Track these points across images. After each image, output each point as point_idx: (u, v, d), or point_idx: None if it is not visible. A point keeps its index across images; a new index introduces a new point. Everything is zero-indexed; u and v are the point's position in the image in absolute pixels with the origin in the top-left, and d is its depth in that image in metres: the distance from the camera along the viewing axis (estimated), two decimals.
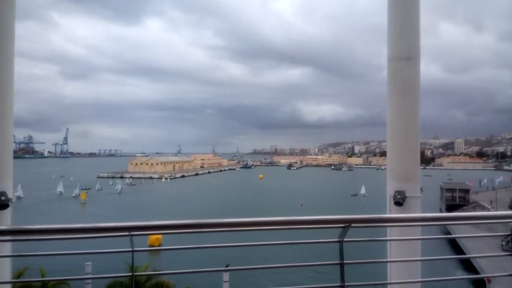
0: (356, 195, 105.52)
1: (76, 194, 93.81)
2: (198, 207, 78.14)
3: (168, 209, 75.74)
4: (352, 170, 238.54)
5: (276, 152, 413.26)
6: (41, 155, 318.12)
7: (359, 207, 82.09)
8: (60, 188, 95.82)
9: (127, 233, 2.83)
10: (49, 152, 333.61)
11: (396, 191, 4.99)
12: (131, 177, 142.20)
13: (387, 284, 4.99)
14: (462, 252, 44.03)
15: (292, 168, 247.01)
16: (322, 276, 31.08)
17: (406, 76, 5.11)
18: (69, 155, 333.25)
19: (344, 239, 3.08)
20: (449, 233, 44.72)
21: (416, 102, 5.20)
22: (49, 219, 62.60)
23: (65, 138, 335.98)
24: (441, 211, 72.42)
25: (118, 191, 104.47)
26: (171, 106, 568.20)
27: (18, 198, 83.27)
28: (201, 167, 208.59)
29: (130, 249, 2.93)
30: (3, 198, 4.32)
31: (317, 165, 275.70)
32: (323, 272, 30.52)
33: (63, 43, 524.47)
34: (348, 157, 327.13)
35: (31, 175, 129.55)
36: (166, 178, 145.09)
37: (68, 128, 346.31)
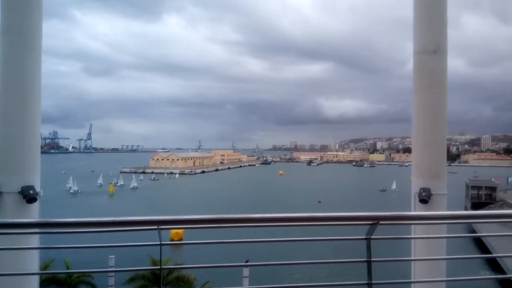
0: (385, 190, 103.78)
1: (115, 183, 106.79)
2: (218, 203, 78.65)
3: (189, 204, 76.57)
4: (374, 166, 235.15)
5: (296, 148, 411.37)
6: (66, 150, 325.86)
7: (388, 204, 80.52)
8: (100, 181, 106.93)
9: (156, 227, 2.82)
10: (73, 147, 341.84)
11: (421, 188, 4.88)
12: (153, 172, 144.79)
13: (415, 282, 4.89)
14: (488, 251, 42.85)
15: (312, 164, 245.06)
16: (339, 273, 30.85)
17: (433, 69, 4.96)
18: (93, 151, 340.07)
19: (372, 237, 3.04)
20: (474, 232, 43.59)
21: (443, 97, 5.05)
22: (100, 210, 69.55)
23: (89, 134, 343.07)
24: (466, 209, 70.73)
25: (132, 187, 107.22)
26: (191, 102, 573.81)
27: (76, 192, 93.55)
28: (221, 162, 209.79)
29: (159, 243, 2.93)
30: (31, 192, 4.40)
31: (338, 162, 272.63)
32: (344, 269, 30.28)
33: (86, 41, 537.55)
34: (370, 153, 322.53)
35: (67, 169, 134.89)
36: (179, 174, 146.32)
37: (91, 124, 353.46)
